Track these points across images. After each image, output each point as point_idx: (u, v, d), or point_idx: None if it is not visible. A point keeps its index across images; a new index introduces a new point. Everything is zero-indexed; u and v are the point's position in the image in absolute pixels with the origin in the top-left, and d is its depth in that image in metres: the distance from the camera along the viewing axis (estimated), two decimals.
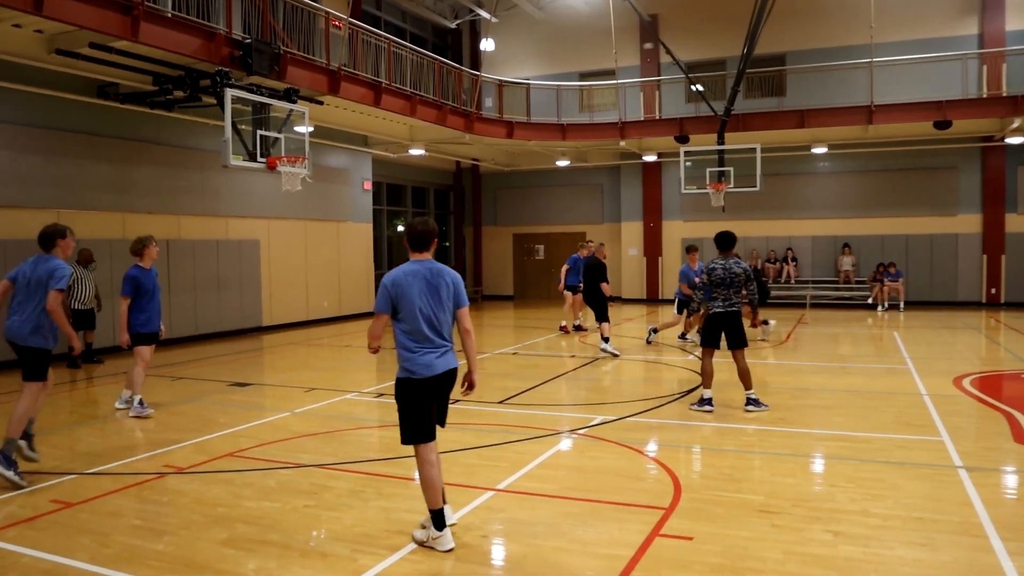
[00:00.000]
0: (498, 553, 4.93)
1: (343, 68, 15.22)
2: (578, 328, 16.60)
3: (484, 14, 24.27)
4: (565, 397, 9.99)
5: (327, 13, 15.21)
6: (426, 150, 21.54)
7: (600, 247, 14.34)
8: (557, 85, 23.34)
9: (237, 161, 12.35)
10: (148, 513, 5.65)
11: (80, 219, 13.71)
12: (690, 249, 14.08)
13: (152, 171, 15.06)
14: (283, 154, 13.10)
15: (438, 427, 5.08)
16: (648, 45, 23.87)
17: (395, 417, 5.05)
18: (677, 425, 8.27)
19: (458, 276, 5.11)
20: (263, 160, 12.75)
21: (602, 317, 13.53)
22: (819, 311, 20.95)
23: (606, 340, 13.34)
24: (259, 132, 12.76)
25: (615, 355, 13.01)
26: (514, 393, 9.99)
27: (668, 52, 20.56)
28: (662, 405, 9.21)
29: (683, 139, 21.47)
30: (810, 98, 20.74)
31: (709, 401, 8.80)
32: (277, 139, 13.11)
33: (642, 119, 22.40)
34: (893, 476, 6.26)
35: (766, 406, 8.75)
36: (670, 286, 24.70)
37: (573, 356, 13.38)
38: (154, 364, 12.18)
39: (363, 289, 21.02)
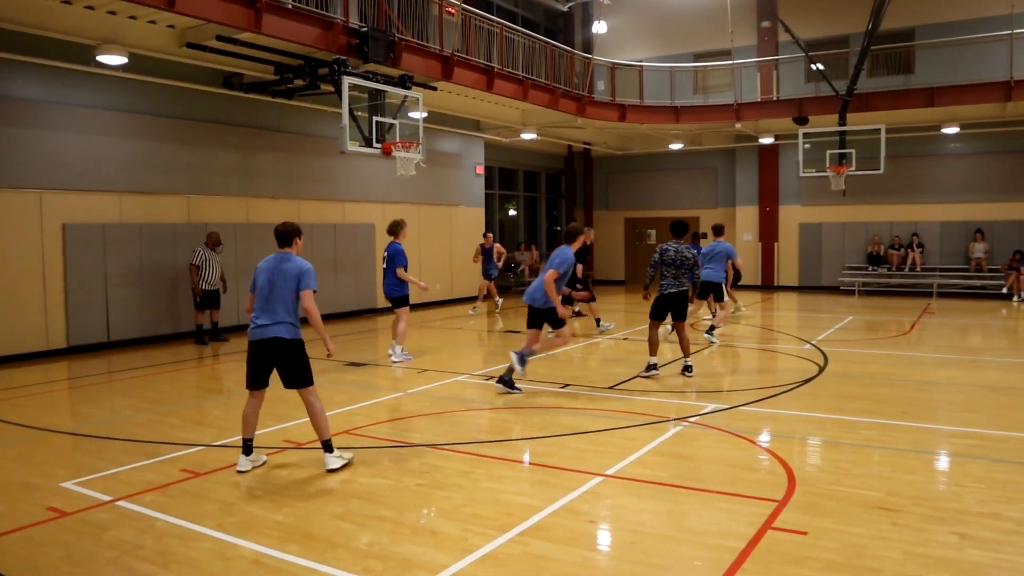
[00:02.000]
0: (605, 539, 4.91)
1: (456, 54, 15.38)
2: (579, 313, 16.18)
3: None
4: (676, 384, 9.84)
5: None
6: (538, 134, 21.54)
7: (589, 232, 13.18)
8: (670, 67, 22.88)
9: (354, 147, 12.68)
10: (268, 485, 5.90)
11: (208, 204, 14.43)
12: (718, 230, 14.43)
13: (274, 157, 15.66)
14: (398, 140, 13.36)
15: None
16: (765, 23, 23.08)
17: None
18: (792, 416, 8.02)
19: (305, 265, 6.18)
20: (379, 146, 13.04)
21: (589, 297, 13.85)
22: (946, 300, 19.86)
23: (598, 322, 14.44)
24: (375, 118, 13.05)
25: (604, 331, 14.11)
26: (624, 379, 9.92)
27: (787, 30, 19.83)
28: (777, 395, 8.95)
29: (802, 120, 20.68)
30: (941, 75, 19.57)
31: (655, 367, 9.89)
32: (392, 125, 13.38)
33: (759, 100, 21.70)
34: None
35: (691, 374, 9.87)
36: (786, 272, 23.96)
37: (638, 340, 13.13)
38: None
39: (475, 272, 21.24)
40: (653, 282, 10.07)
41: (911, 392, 9.12)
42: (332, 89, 13.09)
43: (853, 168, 19.05)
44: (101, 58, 11.89)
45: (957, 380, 9.81)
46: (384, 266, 11.60)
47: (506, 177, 25.03)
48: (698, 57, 24.09)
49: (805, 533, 4.83)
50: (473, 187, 21.52)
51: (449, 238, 20.57)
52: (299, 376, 6.23)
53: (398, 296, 11.52)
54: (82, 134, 12.49)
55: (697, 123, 22.35)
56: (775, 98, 21.63)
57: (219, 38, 12.07)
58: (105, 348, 12.86)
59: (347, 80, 12.42)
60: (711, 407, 8.31)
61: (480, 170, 21.72)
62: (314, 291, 6.20)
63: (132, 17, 11.43)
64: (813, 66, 20.44)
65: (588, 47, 24.94)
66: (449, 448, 6.90)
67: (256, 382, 6.31)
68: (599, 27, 24.83)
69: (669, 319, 10.13)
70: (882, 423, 7.64)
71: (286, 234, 6.36)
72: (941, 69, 19.78)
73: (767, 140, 23.20)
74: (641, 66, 22.73)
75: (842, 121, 19.31)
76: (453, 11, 15.42)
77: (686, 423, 7.70)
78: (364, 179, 17.74)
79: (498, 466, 6.35)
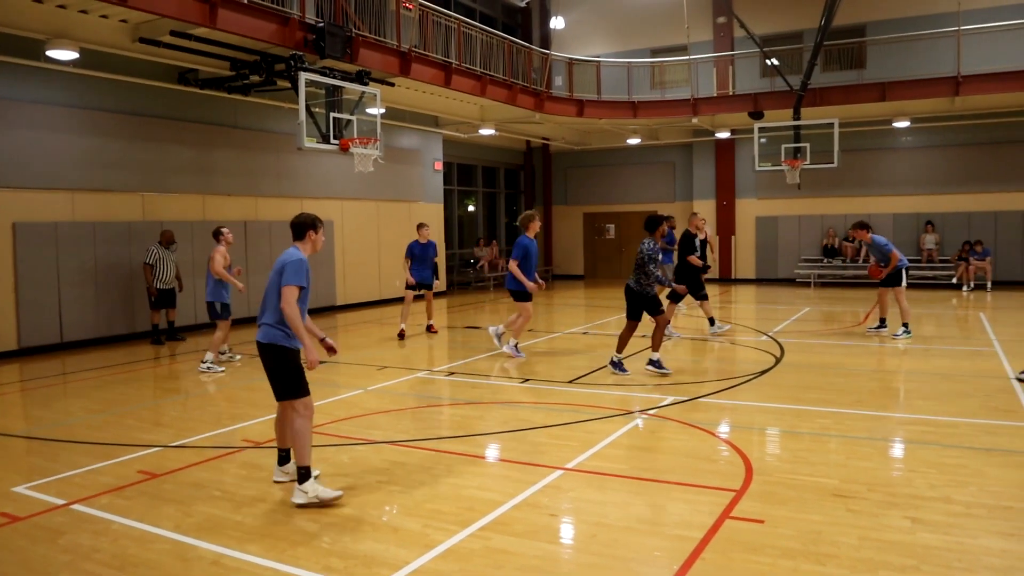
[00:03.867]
0: (567, 532, 4.93)
1: (414, 49, 15.30)
2: (401, 336, 13.59)
3: None
4: (636, 377, 9.91)
5: None
6: (496, 130, 21.53)
7: (693, 217, 13.53)
8: (628, 62, 23.02)
9: (311, 143, 12.57)
10: (228, 485, 5.83)
11: (163, 202, 14.19)
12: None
13: (230, 154, 15.45)
14: (355, 136, 13.26)
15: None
16: (721, 19, 23.33)
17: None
18: (750, 406, 8.13)
19: (290, 259, 5.51)
20: (336, 142, 12.94)
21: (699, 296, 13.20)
22: None
23: (712, 322, 13.30)
24: (332, 115, 12.94)
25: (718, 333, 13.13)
26: (584, 373, 9.97)
27: (742, 26, 20.09)
28: (735, 386, 9.06)
29: (757, 115, 20.95)
30: (892, 70, 19.96)
31: (620, 364, 9.88)
32: (350, 121, 13.27)
33: (715, 95, 21.95)
34: (978, 463, 6.03)
35: (628, 371, 9.78)
36: (743, 265, 24.26)
37: (643, 336, 13.25)
38: (234, 342, 12.56)
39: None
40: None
41: (866, 381, 9.30)
42: (289, 85, 12.96)
43: (808, 162, 19.33)
44: (51, 53, 11.61)
45: (910, 368, 10.02)
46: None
47: (465, 173, 24.98)
48: (655, 52, 24.25)
49: (763, 521, 4.90)
50: (432, 183, 21.44)
51: (409, 234, 20.31)
52: (276, 386, 5.60)
53: (513, 290, 11.27)
54: (32, 131, 12.19)
55: (655, 118, 22.51)
56: (731, 93, 21.88)
57: (173, 33, 11.86)
58: (58, 349, 12.59)
59: (304, 76, 12.30)
60: (670, 399, 8.38)
61: (439, 166, 21.64)
62: (301, 287, 5.46)
63: (83, 11, 11.17)
64: (768, 61, 20.71)
65: (546, 43, 25.00)
66: (410, 444, 6.88)
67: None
68: (557, 22, 24.90)
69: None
70: (838, 412, 7.78)
71: (298, 226, 5.77)
72: (892, 64, 20.18)
73: (724, 135, 23.46)
74: (599, 61, 22.85)
75: (796, 116, 19.59)
76: (411, 6, 15.33)
77: (646, 415, 7.77)
78: (322, 175, 17.58)
79: (459, 462, 6.35)
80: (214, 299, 10.97)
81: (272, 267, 5.64)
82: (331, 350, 5.85)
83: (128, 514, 5.24)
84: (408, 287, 13.63)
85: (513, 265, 11.10)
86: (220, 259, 10.88)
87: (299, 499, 5.32)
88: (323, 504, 5.29)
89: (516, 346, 11.31)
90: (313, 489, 5.33)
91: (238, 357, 11.53)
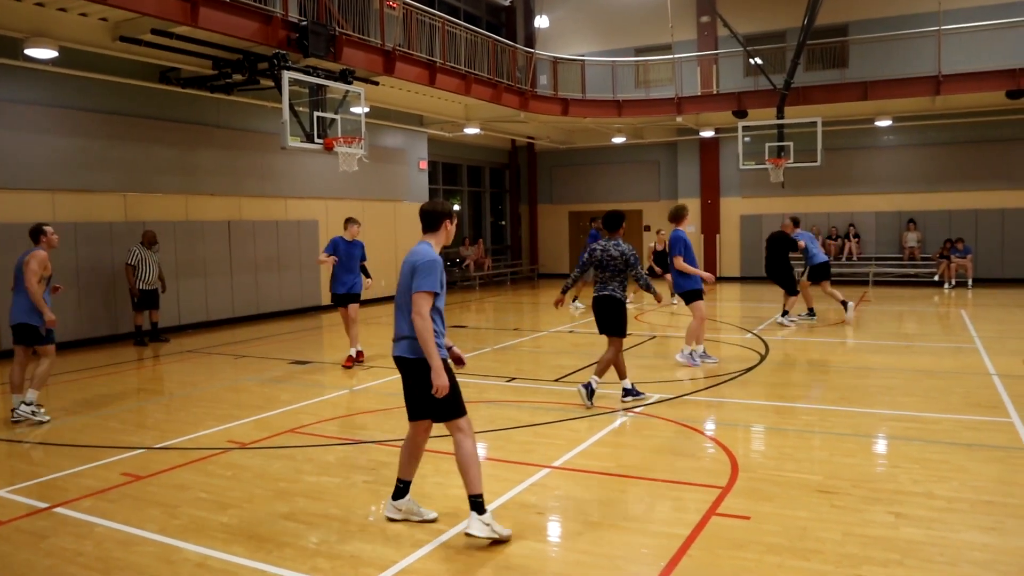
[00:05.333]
0: (553, 530, 4.94)
1: (398, 48, 15.26)
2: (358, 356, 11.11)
3: None
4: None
5: None
6: (481, 129, 21.51)
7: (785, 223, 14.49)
8: (612, 61, 23.06)
9: (295, 143, 12.51)
10: (213, 487, 5.81)
11: (145, 202, 14.10)
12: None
13: (213, 154, 15.36)
14: (340, 135, 13.22)
15: (431, 418, 4.83)
16: (705, 18, 23.41)
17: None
18: (735, 404, 8.17)
19: (421, 258, 4.66)
20: (320, 141, 12.89)
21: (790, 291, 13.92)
22: (882, 289, 20.43)
23: (785, 314, 13.94)
24: (316, 114, 12.89)
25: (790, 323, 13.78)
26: (570, 371, 9.99)
27: (726, 25, 20.18)
28: (720, 384, 9.11)
29: (741, 114, 21.05)
30: (874, 69, 20.10)
31: (631, 391, 8.24)
32: (334, 120, 13.23)
33: (699, 94, 22.04)
34: (960, 458, 6.09)
35: (643, 394, 8.28)
36: (728, 263, 24.36)
37: (630, 334, 13.27)
38: (218, 343, 12.52)
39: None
40: (574, 286, 8.51)
41: (849, 378, 9.37)
42: (272, 84, 12.89)
43: (791, 160, 19.44)
44: (30, 51, 11.49)
45: (893, 365, 10.10)
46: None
47: (450, 172, 24.96)
48: (639, 51, 24.31)
49: (748, 518, 4.93)
50: (417, 182, 21.41)
51: (394, 234, 20.43)
52: (432, 406, 4.72)
53: (685, 291, 10.36)
54: (11, 131, 12.07)
55: (639, 117, 22.57)
56: (715, 92, 21.98)
57: (154, 31, 11.77)
58: None
59: (287, 75, 12.24)
60: (656, 397, 8.41)
61: (424, 165, 21.61)
62: (434, 293, 4.61)
63: (62, 9, 11.07)
64: (751, 61, 20.82)
65: (530, 41, 25.00)
66: (396, 444, 6.86)
67: (409, 410, 4.91)
68: (541, 21, 24.91)
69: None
70: (822, 409, 7.83)
71: (432, 216, 4.84)
72: (874, 64, 20.32)
73: (708, 133, 23.55)
74: (583, 60, 22.88)
75: (780, 114, 19.70)
76: (394, 5, 15.30)
77: (631, 413, 7.79)
78: (306, 175, 17.51)
79: (446, 461, 6.33)
80: (30, 320, 7.96)
81: (405, 267, 4.77)
82: (459, 361, 5.03)
83: (112, 517, 5.21)
84: (334, 303, 11.13)
85: (679, 261, 10.18)
86: (36, 269, 7.85)
87: (480, 531, 4.55)
88: (499, 541, 4.57)
89: (704, 351, 10.43)
90: (492, 521, 4.61)
91: (42, 411, 8.11)
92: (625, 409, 7.93)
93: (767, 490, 5.44)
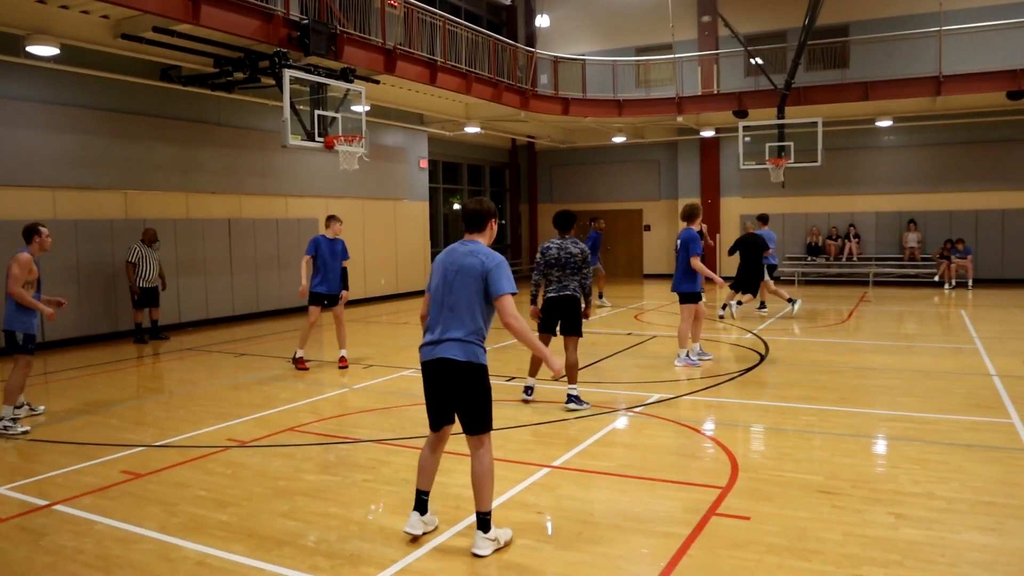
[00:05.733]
0: (553, 530, 4.93)
1: (399, 47, 15.25)
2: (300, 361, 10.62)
3: None
4: (621, 375, 9.93)
5: None
6: (482, 128, 21.50)
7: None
8: (613, 61, 23.04)
9: (296, 141, 12.50)
10: (212, 485, 5.80)
11: (146, 199, 14.09)
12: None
13: (214, 152, 15.36)
14: (340, 133, 13.22)
15: (456, 425, 4.63)
16: (706, 18, 23.39)
17: None
18: (735, 404, 8.17)
19: (492, 259, 4.53)
20: (321, 140, 12.89)
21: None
22: (882, 289, 20.42)
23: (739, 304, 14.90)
24: (317, 112, 12.88)
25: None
26: None
27: (727, 25, 20.16)
28: (720, 383, 9.10)
29: (742, 114, 21.03)
30: (875, 70, 20.08)
31: (528, 389, 8.33)
32: (334, 119, 13.22)
33: (700, 94, 22.02)
34: (960, 458, 6.09)
35: (587, 404, 7.99)
36: (727, 263, 24.32)
37: (630, 334, 13.30)
38: (218, 340, 12.50)
39: (420, 267, 21.19)
40: (540, 290, 8.26)
41: (849, 378, 9.36)
42: (273, 82, 12.87)
43: (792, 160, 19.42)
44: (31, 49, 11.48)
45: (893, 366, 10.09)
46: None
47: (450, 171, 24.95)
48: (640, 51, 24.29)
49: (748, 518, 4.92)
50: (417, 181, 21.40)
51: (394, 233, 20.43)
52: (472, 415, 4.52)
53: (685, 292, 10.23)
54: (12, 128, 12.06)
55: (640, 116, 22.54)
56: (715, 92, 21.95)
57: (156, 29, 11.76)
58: (41, 348, 12.36)
59: (288, 73, 12.23)
60: (655, 397, 8.41)
61: (424, 164, 21.61)
62: (512, 294, 4.53)
63: (63, 7, 11.07)
64: (752, 60, 20.80)
65: (531, 41, 24.98)
66: (396, 443, 6.87)
67: (436, 417, 4.70)
68: (542, 21, 24.90)
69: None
70: (822, 409, 7.83)
71: (478, 216, 4.69)
72: (875, 64, 20.30)
73: (708, 133, 23.53)
74: (584, 60, 22.86)
75: (780, 114, 19.68)
76: (395, 3, 15.29)
77: (631, 413, 7.78)
78: (307, 173, 17.51)
79: (445, 460, 6.30)
80: (11, 326, 7.61)
81: (444, 264, 4.64)
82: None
83: (111, 514, 5.20)
84: (312, 301, 10.51)
85: (697, 261, 10.00)
86: (18, 275, 7.48)
87: (487, 550, 4.46)
88: (503, 546, 4.56)
89: (701, 349, 10.61)
90: (497, 535, 4.56)
91: (41, 409, 8.31)
92: (626, 409, 7.92)
93: (767, 490, 5.43)
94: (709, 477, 5.74)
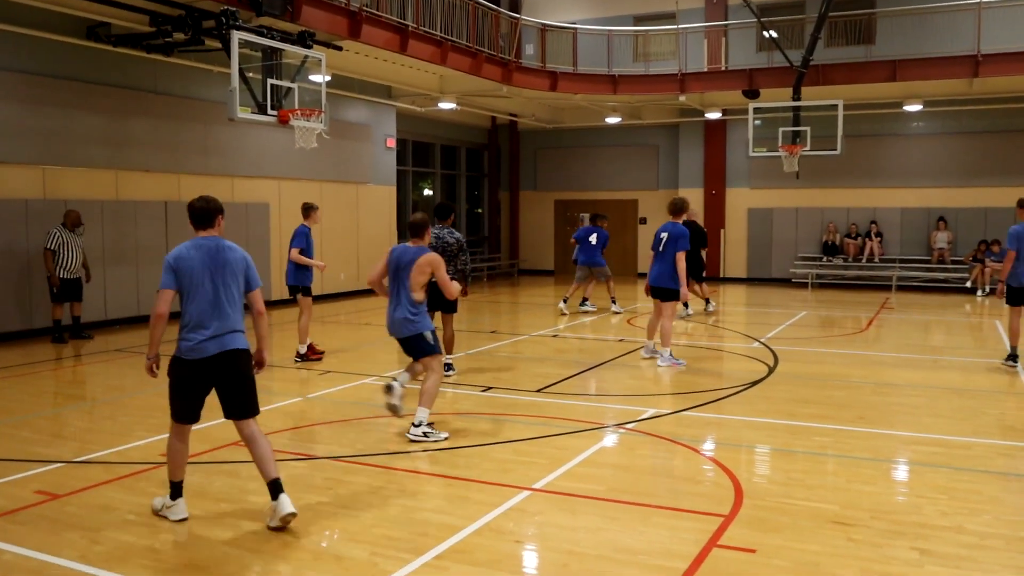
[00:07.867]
0: (533, 561, 4.95)
1: (365, 9, 15.21)
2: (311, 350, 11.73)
3: None
4: (612, 387, 9.97)
5: None
6: (458, 104, 21.48)
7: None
8: (608, 30, 23.08)
9: (245, 114, 12.42)
10: (143, 507, 5.75)
11: (68, 177, 13.95)
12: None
13: (149, 124, 15.24)
14: (296, 106, 13.14)
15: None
16: None
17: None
18: (739, 421, 8.22)
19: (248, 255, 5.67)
20: (274, 113, 12.80)
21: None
22: (907, 295, 20.62)
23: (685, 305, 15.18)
24: (270, 81, 12.79)
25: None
26: (554, 381, 10.00)
27: None
28: (723, 398, 9.15)
29: (752, 94, 21.13)
30: (904, 47, 20.22)
31: (450, 366, 10.09)
32: (290, 89, 13.14)
33: (705, 70, 22.08)
34: (994, 488, 6.17)
35: (453, 370, 10.13)
36: (734, 262, 24.52)
37: (622, 340, 13.35)
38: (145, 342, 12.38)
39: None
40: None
41: (868, 395, 9.45)
42: (219, 45, 12.79)
43: (807, 148, 19.54)
44: None
45: (918, 382, 10.20)
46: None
47: (421, 152, 24.92)
48: (639, 20, 24.39)
49: (754, 551, 4.96)
50: (383, 163, 21.37)
51: (356, 220, 20.39)
52: (250, 401, 5.80)
53: (669, 288, 10.92)
54: None
55: (637, 94, 22.61)
56: (723, 68, 22.03)
57: None
58: None
59: (237, 35, 12.13)
60: (651, 412, 8.45)
61: (391, 143, 21.57)
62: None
63: None
64: (766, 34, 20.90)
65: (516, 6, 24.99)
66: (356, 460, 6.85)
67: (191, 412, 5.77)
68: None
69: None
70: (837, 429, 7.89)
71: (205, 212, 5.65)
72: (904, 40, 20.43)
73: (714, 115, 23.65)
74: (575, 29, 22.89)
75: (796, 95, 19.80)
76: None
77: (623, 430, 7.81)
78: (257, 151, 17.43)
79: (411, 480, 6.34)
80: None
81: (202, 262, 5.72)
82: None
83: (23, 542, 5.14)
84: (307, 293, 11.97)
85: (682, 261, 10.77)
86: None
87: (289, 508, 5.31)
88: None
89: (650, 347, 11.51)
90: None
91: None
92: (617, 425, 7.95)
93: (775, 520, 5.48)
94: (710, 504, 5.77)
